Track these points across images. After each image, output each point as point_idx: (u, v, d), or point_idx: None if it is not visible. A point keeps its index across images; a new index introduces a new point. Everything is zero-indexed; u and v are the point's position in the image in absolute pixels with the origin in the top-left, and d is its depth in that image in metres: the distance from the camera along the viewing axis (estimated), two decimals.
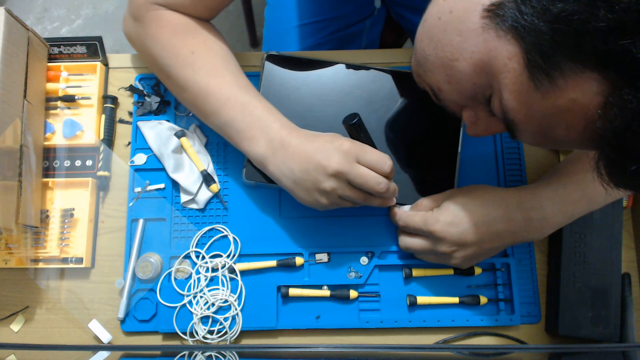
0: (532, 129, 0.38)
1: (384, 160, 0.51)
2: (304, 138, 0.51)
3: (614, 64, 0.31)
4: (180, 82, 0.55)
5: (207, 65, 0.55)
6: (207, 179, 0.60)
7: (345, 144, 0.50)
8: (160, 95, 0.64)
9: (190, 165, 0.61)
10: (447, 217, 0.52)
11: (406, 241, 0.56)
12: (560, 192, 0.53)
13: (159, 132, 0.61)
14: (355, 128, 0.52)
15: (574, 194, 0.53)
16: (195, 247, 0.59)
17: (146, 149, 0.62)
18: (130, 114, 0.64)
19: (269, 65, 0.61)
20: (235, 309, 0.57)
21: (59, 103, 0.63)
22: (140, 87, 0.64)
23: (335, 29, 0.80)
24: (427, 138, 0.60)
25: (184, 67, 0.55)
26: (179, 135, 0.61)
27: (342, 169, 0.49)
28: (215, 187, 0.60)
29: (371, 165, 0.50)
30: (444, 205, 0.53)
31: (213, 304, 0.57)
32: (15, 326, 0.59)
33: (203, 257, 0.59)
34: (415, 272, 0.58)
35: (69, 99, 0.62)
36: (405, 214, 0.56)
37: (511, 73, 0.36)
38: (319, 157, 0.49)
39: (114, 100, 0.64)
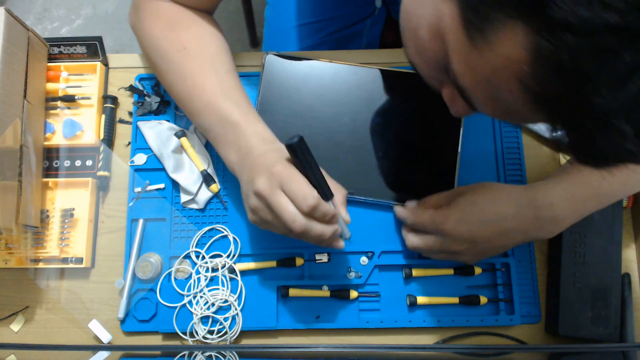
0: (482, 96, 0.36)
1: (304, 196, 0.45)
2: (264, 150, 0.49)
3: (532, 8, 0.28)
4: (170, 78, 0.55)
5: (195, 62, 0.54)
6: (207, 179, 0.60)
7: (276, 167, 0.46)
8: (160, 95, 0.64)
9: (190, 165, 0.61)
10: (457, 215, 0.52)
11: (414, 240, 0.56)
12: (571, 190, 0.52)
13: (159, 132, 0.61)
14: (290, 150, 0.46)
15: (584, 192, 0.52)
16: (195, 247, 0.59)
17: (146, 149, 0.62)
18: (130, 114, 0.64)
19: (269, 65, 0.61)
20: (235, 309, 0.57)
21: (59, 103, 0.63)
22: (140, 87, 0.64)
23: (336, 28, 0.80)
24: (427, 138, 0.60)
25: (173, 63, 0.54)
26: (179, 135, 0.61)
27: (262, 191, 0.46)
28: (215, 187, 0.60)
29: (292, 198, 0.45)
30: (453, 203, 0.53)
31: (213, 304, 0.57)
32: (15, 326, 0.59)
33: (203, 257, 0.59)
34: (415, 272, 0.58)
35: (69, 99, 0.62)
36: (413, 211, 0.55)
37: (454, 34, 0.35)
38: (254, 172, 0.47)
39: (114, 100, 0.64)
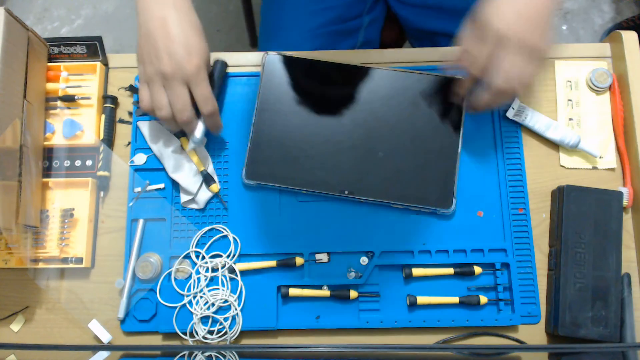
0: None
1: (206, 100, 0.55)
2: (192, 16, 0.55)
3: None
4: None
5: None
6: (207, 179, 0.60)
7: (193, 61, 0.53)
8: None
9: (190, 165, 0.61)
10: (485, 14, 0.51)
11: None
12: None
13: (158, 132, 0.61)
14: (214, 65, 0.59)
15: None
16: (195, 247, 0.59)
17: (146, 149, 0.62)
18: (130, 113, 0.64)
19: (269, 65, 0.61)
20: (235, 309, 0.57)
21: (58, 103, 0.63)
22: None
23: (332, 19, 0.78)
24: (427, 138, 0.60)
25: None
26: (178, 135, 0.61)
27: (170, 74, 0.52)
28: (215, 187, 0.60)
29: (196, 96, 0.54)
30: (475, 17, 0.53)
31: (213, 304, 0.57)
32: (15, 326, 0.59)
33: (203, 257, 0.59)
34: (415, 272, 0.58)
35: (69, 99, 0.62)
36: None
37: None
38: (174, 45, 0.52)
39: (114, 100, 0.64)
